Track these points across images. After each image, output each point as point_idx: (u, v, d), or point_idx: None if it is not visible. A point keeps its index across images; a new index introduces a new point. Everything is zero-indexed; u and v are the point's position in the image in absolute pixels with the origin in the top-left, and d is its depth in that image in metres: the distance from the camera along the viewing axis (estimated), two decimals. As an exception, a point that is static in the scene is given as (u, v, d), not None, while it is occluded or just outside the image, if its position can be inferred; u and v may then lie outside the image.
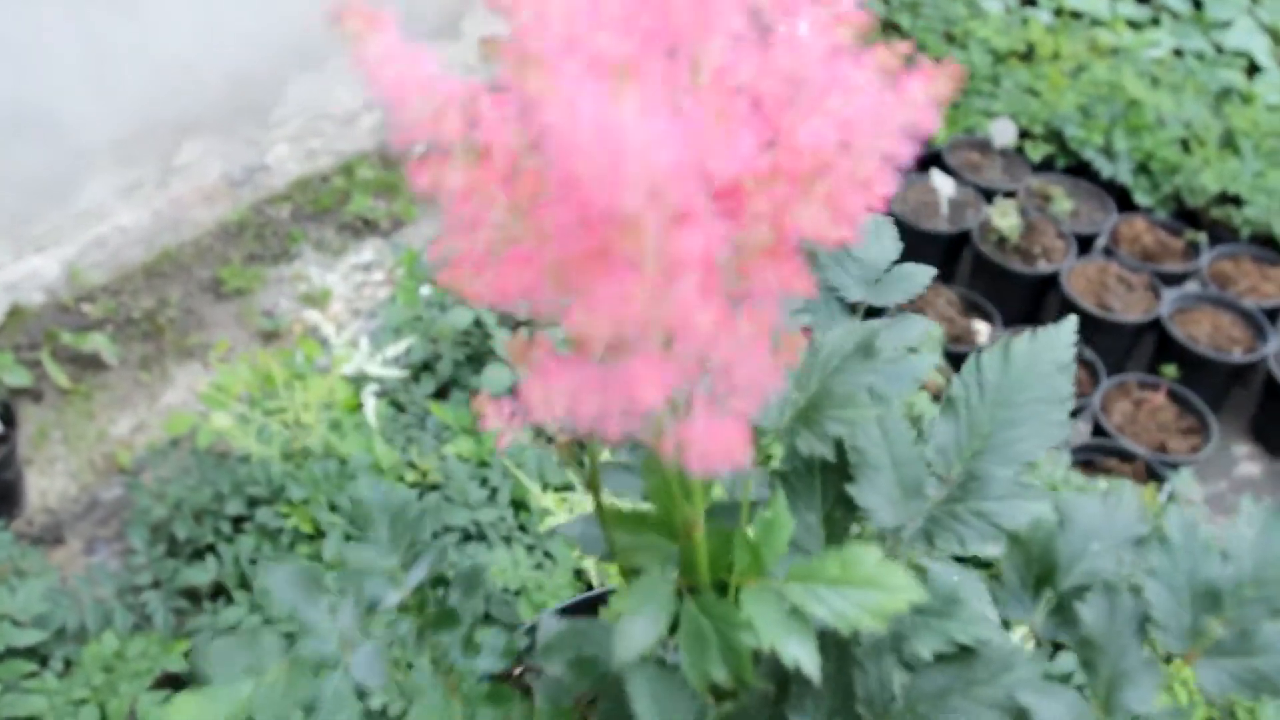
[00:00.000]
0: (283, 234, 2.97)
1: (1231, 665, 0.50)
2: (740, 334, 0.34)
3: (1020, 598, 0.52)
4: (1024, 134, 3.28)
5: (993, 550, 0.51)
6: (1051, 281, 2.85)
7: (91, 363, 2.58)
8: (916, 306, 2.73)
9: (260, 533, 1.84)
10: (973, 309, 2.78)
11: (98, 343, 2.56)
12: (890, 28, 3.63)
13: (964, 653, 0.48)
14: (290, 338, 2.70)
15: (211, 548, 1.85)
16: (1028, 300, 2.88)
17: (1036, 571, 0.51)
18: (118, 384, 2.57)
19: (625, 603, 0.38)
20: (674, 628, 0.42)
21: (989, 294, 2.81)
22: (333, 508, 1.87)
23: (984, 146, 3.24)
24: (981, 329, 2.70)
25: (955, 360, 2.57)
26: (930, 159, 3.18)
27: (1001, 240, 2.90)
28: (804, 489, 0.52)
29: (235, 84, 2.86)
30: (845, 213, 0.37)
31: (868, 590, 0.40)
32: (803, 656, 0.39)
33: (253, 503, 1.88)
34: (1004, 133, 3.19)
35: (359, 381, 2.16)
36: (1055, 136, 3.29)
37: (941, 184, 2.95)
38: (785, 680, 0.47)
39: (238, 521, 1.88)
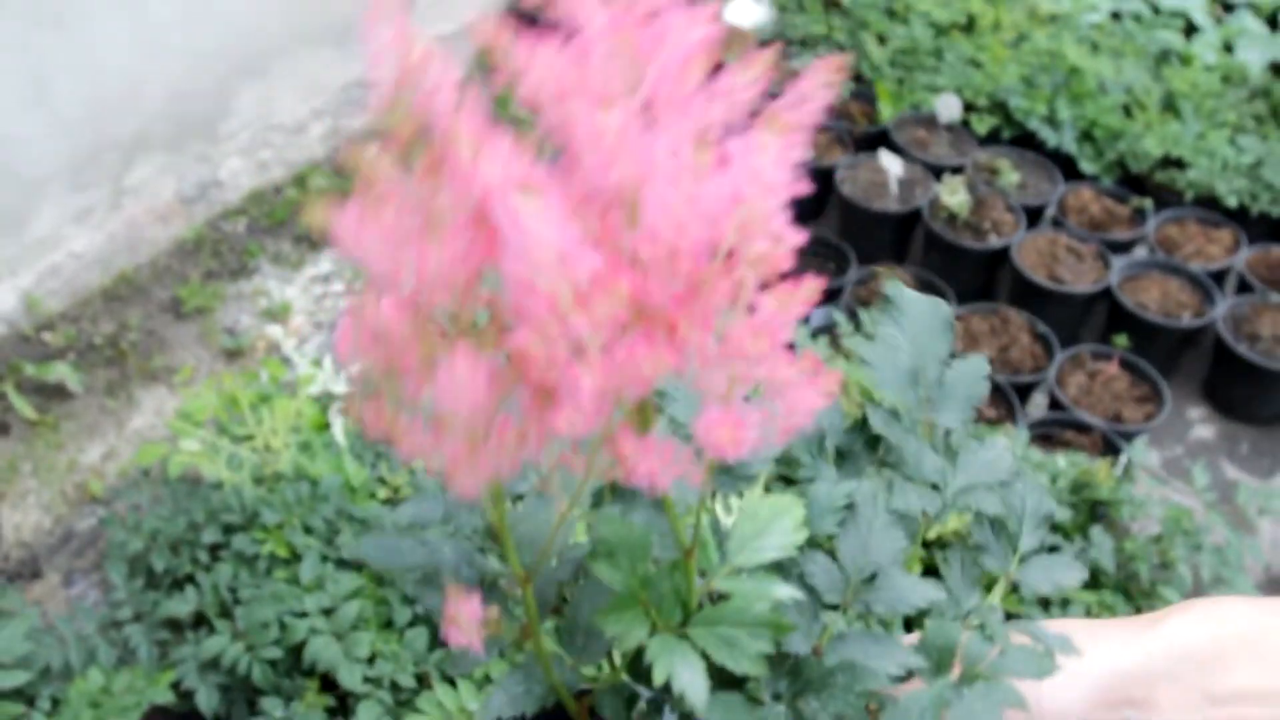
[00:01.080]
0: (240, 249, 2.98)
1: (949, 406, 0.55)
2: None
3: (815, 463, 0.55)
4: (969, 107, 3.33)
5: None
6: (1003, 256, 2.91)
7: (56, 392, 2.59)
8: (870, 290, 2.78)
9: (238, 560, 1.87)
10: (927, 288, 2.83)
11: (61, 372, 2.57)
12: (831, 5, 3.66)
13: (849, 510, 0.51)
14: (254, 354, 2.72)
15: (190, 578, 1.88)
16: (980, 276, 2.94)
17: (813, 441, 0.55)
18: (84, 412, 2.58)
19: (660, 669, 0.40)
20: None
21: (942, 271, 2.87)
22: (307, 530, 1.90)
23: (930, 122, 3.29)
24: (936, 308, 2.75)
25: (912, 341, 2.62)
26: (878, 138, 3.23)
27: (951, 217, 2.95)
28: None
29: (181, 99, 2.86)
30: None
31: (776, 522, 0.45)
32: (787, 591, 0.43)
33: (228, 530, 1.91)
34: (949, 108, 3.23)
35: (325, 400, 2.18)
36: (1000, 108, 3.34)
37: (890, 163, 3.00)
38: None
39: (214, 550, 1.91)
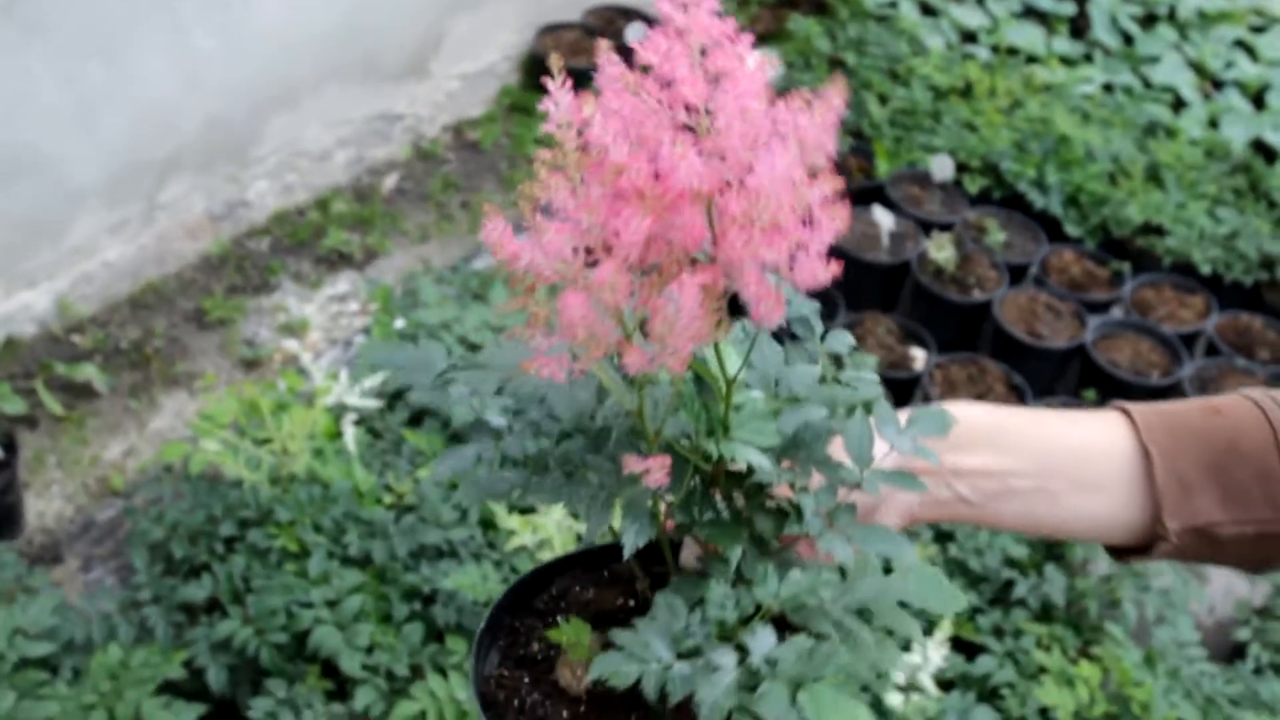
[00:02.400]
0: (262, 266, 3.16)
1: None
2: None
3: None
4: (962, 168, 3.51)
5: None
6: (985, 310, 3.07)
7: (83, 391, 2.76)
8: (857, 336, 2.94)
9: (251, 552, 2.02)
10: (910, 337, 2.99)
11: (89, 372, 2.74)
12: (836, 64, 3.85)
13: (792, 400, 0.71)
14: (270, 365, 2.89)
15: (206, 566, 2.03)
16: (962, 328, 3.10)
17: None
18: (108, 411, 2.74)
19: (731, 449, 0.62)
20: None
21: (926, 322, 3.03)
22: (317, 528, 2.06)
23: (924, 180, 3.46)
24: (918, 355, 2.92)
25: (892, 385, 2.79)
26: (873, 192, 3.40)
27: (939, 271, 3.12)
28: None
29: (215, 125, 3.05)
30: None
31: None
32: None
33: (243, 524, 2.07)
34: (943, 167, 3.41)
35: (339, 411, 2.35)
36: (992, 170, 3.52)
37: (882, 218, 3.17)
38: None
39: (230, 542, 2.06)
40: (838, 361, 0.73)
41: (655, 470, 0.60)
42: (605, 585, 0.76)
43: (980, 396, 2.83)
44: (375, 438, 2.35)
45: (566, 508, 0.66)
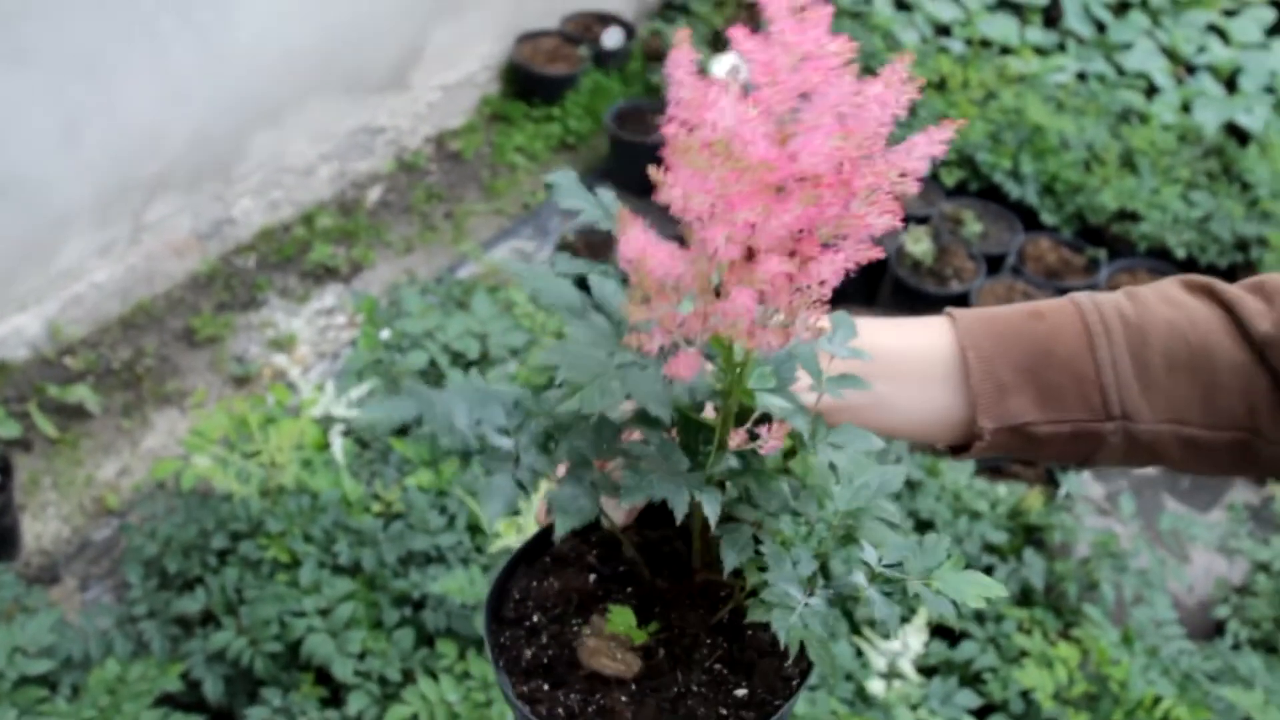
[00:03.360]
0: (250, 283, 3.20)
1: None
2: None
3: None
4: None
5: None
6: (963, 301, 3.11)
7: (76, 412, 2.80)
8: (837, 330, 2.98)
9: (243, 564, 2.07)
10: (890, 329, 3.03)
11: (81, 393, 2.78)
12: (813, 64, 3.89)
13: None
14: (260, 381, 2.93)
15: (200, 579, 2.08)
16: (941, 319, 3.13)
17: None
18: (102, 431, 2.79)
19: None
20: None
21: (906, 314, 3.06)
22: (307, 538, 2.10)
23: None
24: (897, 348, 2.96)
25: (872, 378, 2.82)
26: (851, 189, 3.44)
27: (916, 264, 3.16)
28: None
29: (199, 144, 3.09)
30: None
31: None
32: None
33: (235, 537, 2.11)
34: (918, 162, 3.45)
35: (326, 422, 2.39)
36: (968, 162, 3.56)
37: (859, 214, 3.20)
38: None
39: (222, 554, 2.10)
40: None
41: (686, 363, 0.61)
42: (558, 571, 0.77)
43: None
44: (363, 447, 2.39)
45: (654, 499, 0.66)
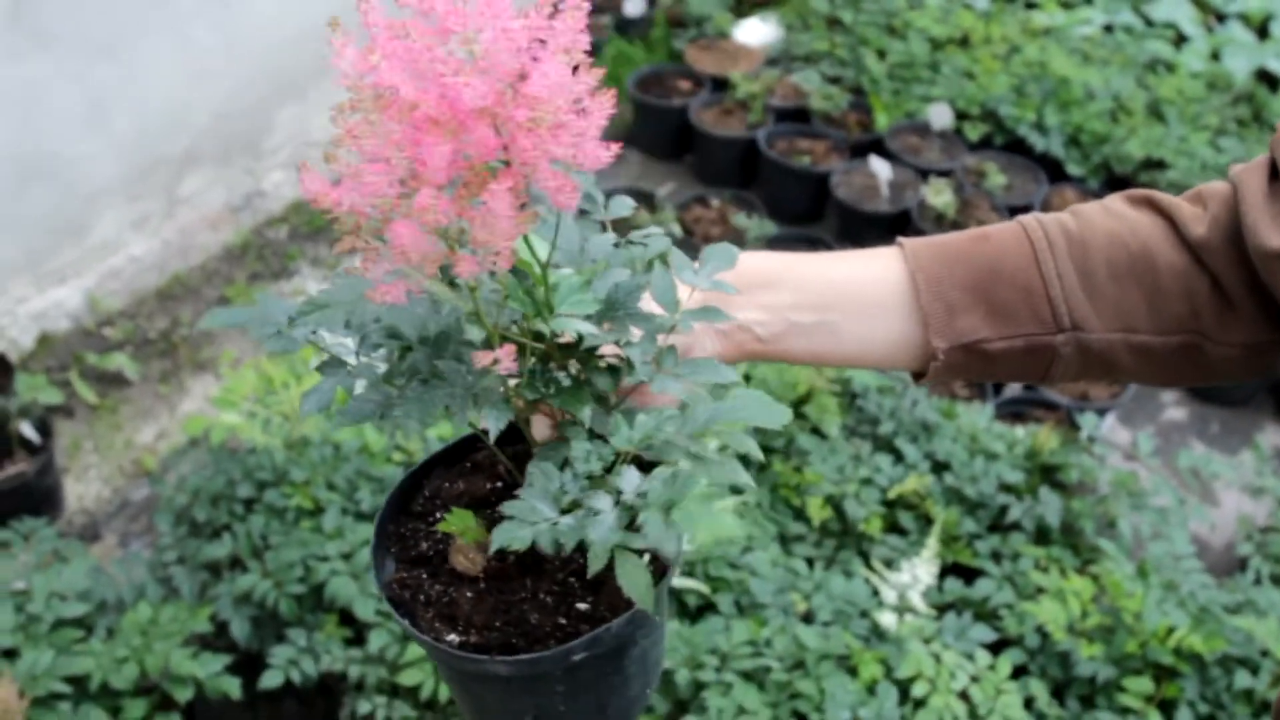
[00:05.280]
0: (281, 253, 3.27)
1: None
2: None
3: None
4: (962, 116, 3.55)
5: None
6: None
7: (115, 380, 2.88)
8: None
9: (268, 511, 2.13)
10: (911, 281, 3.04)
11: (120, 362, 2.86)
12: (834, 23, 3.90)
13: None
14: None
15: (227, 527, 2.14)
16: (964, 270, 3.14)
17: None
18: (140, 398, 2.87)
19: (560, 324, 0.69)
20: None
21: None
22: (330, 486, 2.16)
23: (924, 130, 3.51)
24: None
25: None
26: (873, 145, 3.45)
27: (939, 217, 3.16)
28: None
29: (225, 119, 3.16)
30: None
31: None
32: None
33: (261, 486, 2.17)
34: (941, 116, 3.45)
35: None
36: (991, 116, 3.56)
37: (879, 168, 3.22)
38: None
39: (249, 503, 2.17)
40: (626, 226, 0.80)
41: (504, 359, 0.67)
42: (470, 475, 0.82)
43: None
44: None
45: (427, 414, 0.72)
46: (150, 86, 2.91)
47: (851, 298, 0.80)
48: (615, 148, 0.63)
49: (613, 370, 0.74)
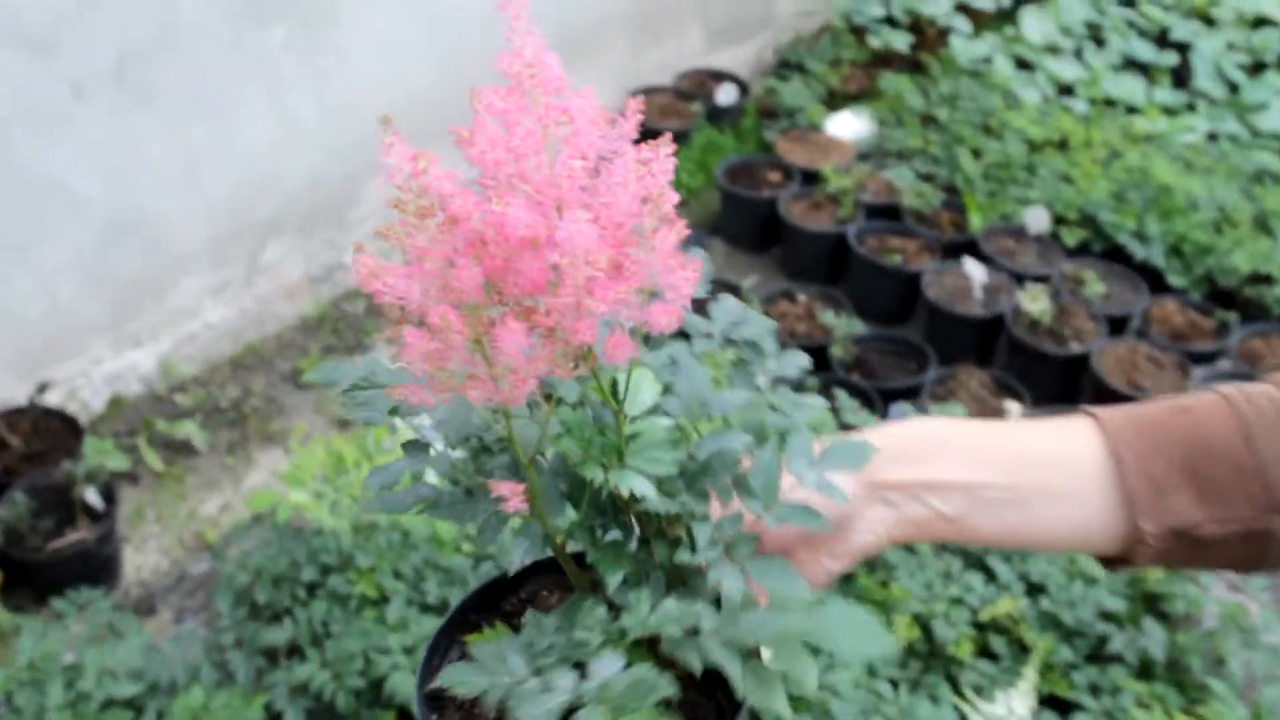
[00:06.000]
0: (358, 328, 3.24)
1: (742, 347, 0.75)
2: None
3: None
4: (1059, 220, 3.46)
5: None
6: (1083, 362, 3.00)
7: (183, 448, 2.85)
8: (949, 389, 2.90)
9: (331, 597, 2.06)
10: (1005, 390, 2.94)
11: (189, 430, 2.83)
12: (928, 120, 3.84)
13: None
14: (361, 424, 2.95)
15: (288, 611, 2.07)
16: (1059, 381, 3.03)
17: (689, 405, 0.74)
18: (206, 468, 2.83)
19: (615, 479, 0.61)
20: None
21: (1022, 375, 2.98)
22: (396, 575, 2.08)
23: (1019, 233, 3.42)
24: (1013, 408, 2.86)
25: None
26: (965, 247, 3.37)
27: (1034, 323, 3.07)
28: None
29: (314, 187, 3.16)
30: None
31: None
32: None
33: (325, 570, 2.10)
34: (1038, 220, 3.37)
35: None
36: (1089, 222, 3.46)
37: (973, 270, 3.13)
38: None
39: (312, 588, 2.10)
40: (791, 387, 0.74)
41: (513, 497, 0.63)
42: (571, 590, 0.76)
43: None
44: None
45: (462, 521, 0.69)
46: (244, 150, 2.92)
47: (1045, 473, 0.73)
48: (680, 315, 0.59)
49: (675, 541, 0.67)
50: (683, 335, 0.69)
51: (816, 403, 0.72)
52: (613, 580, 0.65)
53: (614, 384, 0.65)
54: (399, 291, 0.59)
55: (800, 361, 0.72)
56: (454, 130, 0.60)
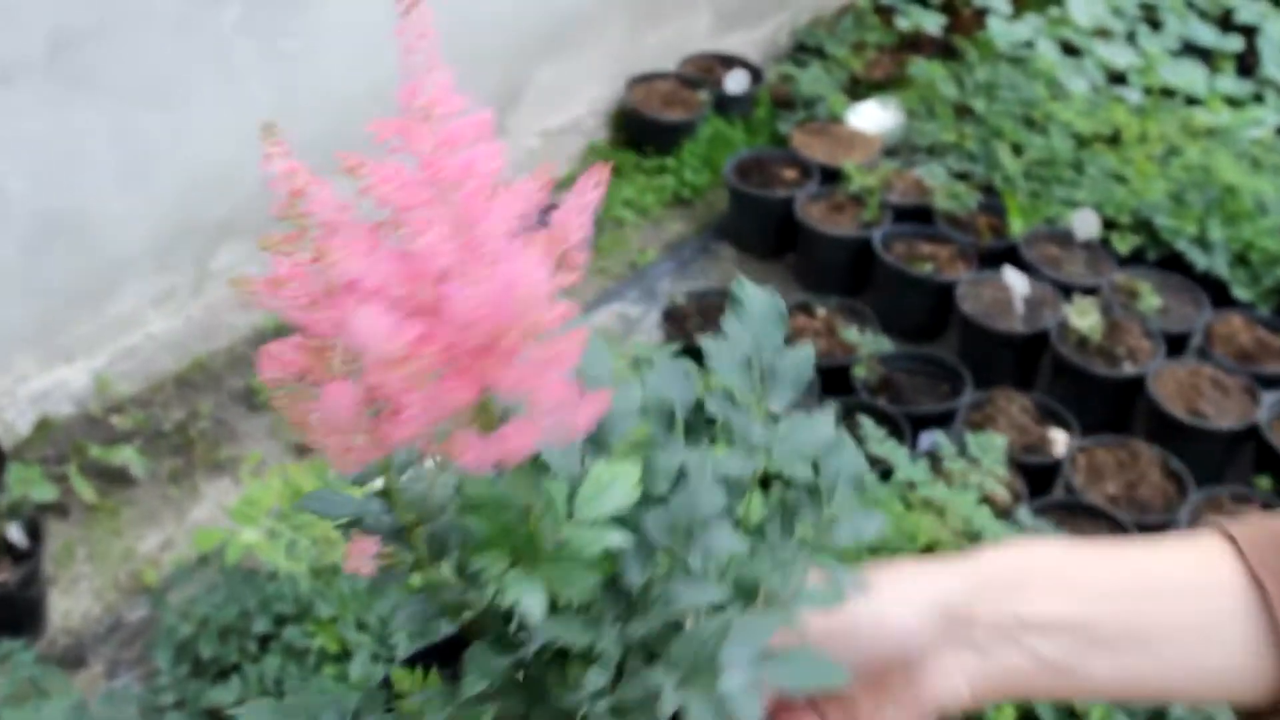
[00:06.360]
0: (319, 340, 3.19)
1: (779, 389, 0.69)
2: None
3: (666, 439, 0.68)
4: (1110, 225, 3.42)
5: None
6: (1137, 386, 2.96)
7: (119, 477, 2.80)
8: (986, 415, 2.86)
9: (286, 652, 2.01)
10: (1049, 416, 2.90)
11: (126, 456, 2.78)
12: (963, 112, 3.81)
13: (680, 475, 0.65)
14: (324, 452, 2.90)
15: (237, 667, 2.03)
16: (1110, 406, 2.99)
17: (664, 420, 0.69)
18: (145, 499, 2.78)
19: (511, 594, 0.56)
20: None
21: (1068, 400, 2.93)
22: (361, 626, 2.04)
23: (1065, 239, 3.39)
24: (1058, 438, 2.82)
25: (1027, 472, 2.69)
26: (1005, 254, 3.33)
27: (1082, 341, 3.02)
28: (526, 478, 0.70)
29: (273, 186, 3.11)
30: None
31: (613, 486, 0.61)
32: (617, 538, 0.59)
33: (280, 621, 2.06)
34: (1086, 224, 3.33)
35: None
36: (1144, 227, 3.43)
37: (1014, 280, 3.09)
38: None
39: (264, 640, 2.05)
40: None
41: (354, 555, 0.65)
42: None
43: (1131, 485, 2.72)
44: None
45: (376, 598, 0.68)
46: (194, 144, 2.88)
47: (1172, 606, 0.67)
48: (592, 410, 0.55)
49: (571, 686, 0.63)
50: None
51: (852, 452, 0.67)
52: (470, 687, 0.62)
53: (579, 474, 0.61)
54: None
55: (877, 521, 0.66)
56: (340, 156, 0.58)
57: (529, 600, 0.56)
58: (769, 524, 0.65)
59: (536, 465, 0.61)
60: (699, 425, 0.67)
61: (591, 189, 0.59)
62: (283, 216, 0.58)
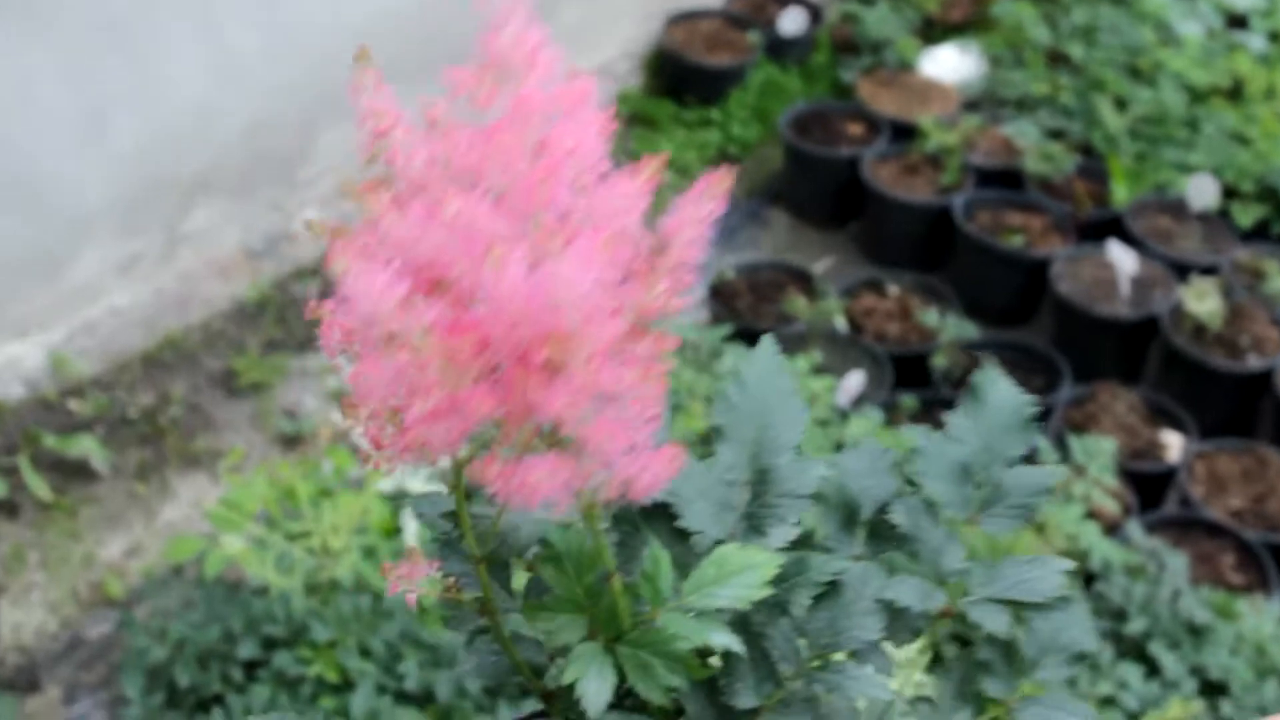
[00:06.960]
0: (309, 318, 3.17)
1: (999, 513, 0.70)
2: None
3: (841, 538, 0.68)
4: (1230, 193, 3.40)
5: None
6: (1263, 381, 2.93)
7: (78, 471, 2.78)
8: (1087, 413, 2.82)
9: (277, 681, 2.00)
10: (1161, 416, 2.87)
11: (86, 447, 2.76)
12: (1057, 59, 3.77)
13: (831, 587, 0.63)
14: (315, 443, 2.89)
15: (219, 698, 2.01)
16: (1233, 405, 2.96)
17: (842, 514, 0.69)
18: (109, 497, 2.77)
19: (572, 671, 0.53)
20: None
21: (1182, 397, 2.91)
22: (364, 652, 2.02)
23: (1178, 209, 3.36)
24: (1172, 441, 2.79)
25: (1137, 480, 2.65)
26: (1108, 225, 3.30)
27: (1199, 328, 3.00)
28: (640, 534, 0.67)
29: (255, 135, 3.10)
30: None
31: (742, 574, 0.58)
32: (725, 640, 0.56)
33: (269, 644, 2.05)
34: (1203, 193, 3.30)
35: (398, 499, 2.31)
36: (1270, 195, 3.40)
37: (1120, 258, 3.06)
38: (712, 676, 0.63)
39: (251, 667, 2.04)
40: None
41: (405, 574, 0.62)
42: None
43: (1259, 497, 2.69)
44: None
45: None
46: (164, 89, 2.88)
47: None
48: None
49: None
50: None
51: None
52: None
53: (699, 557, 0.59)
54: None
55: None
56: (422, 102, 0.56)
57: (592, 685, 0.54)
58: (940, 680, 0.61)
59: (653, 519, 0.59)
60: (883, 532, 0.63)
61: (714, 196, 0.56)
62: (366, 161, 0.56)
